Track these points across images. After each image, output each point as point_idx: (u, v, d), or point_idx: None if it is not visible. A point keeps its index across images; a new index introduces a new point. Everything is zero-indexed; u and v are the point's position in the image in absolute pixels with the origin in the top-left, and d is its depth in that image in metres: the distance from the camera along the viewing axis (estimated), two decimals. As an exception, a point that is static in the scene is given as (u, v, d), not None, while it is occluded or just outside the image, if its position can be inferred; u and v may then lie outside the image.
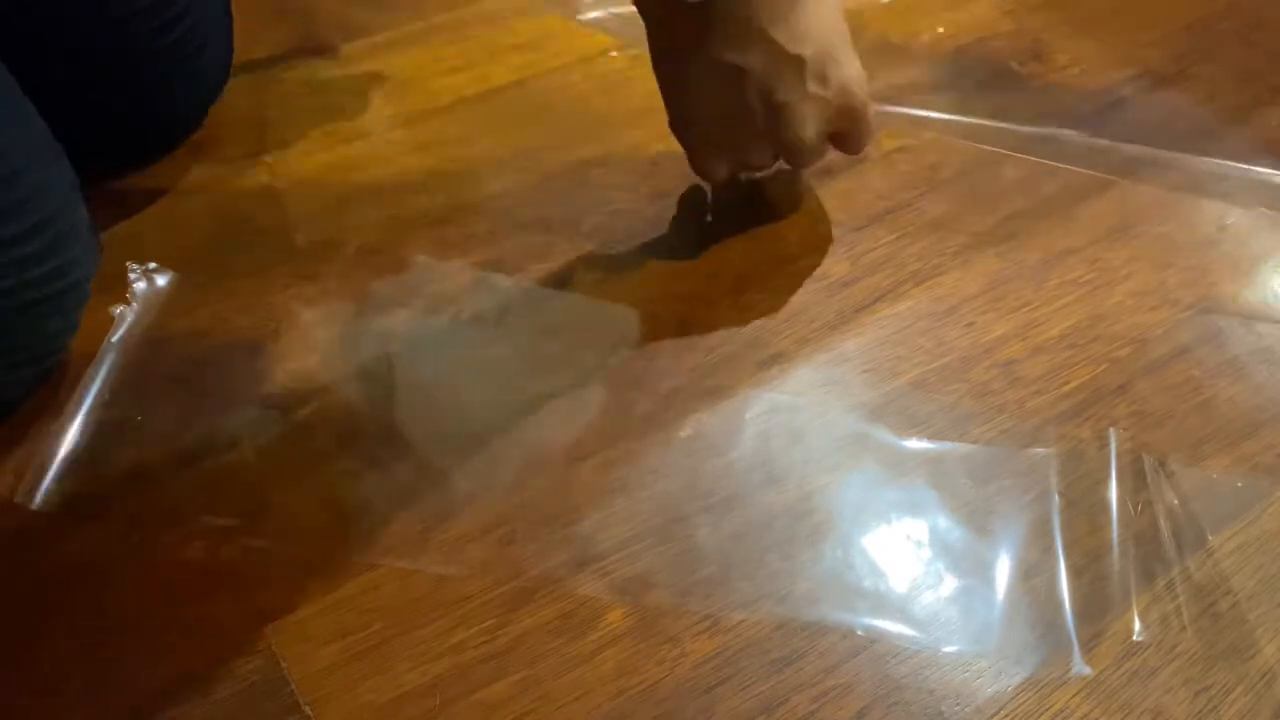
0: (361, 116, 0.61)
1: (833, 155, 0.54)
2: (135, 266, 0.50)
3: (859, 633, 0.39)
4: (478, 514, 0.42)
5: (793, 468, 0.44)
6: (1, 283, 0.40)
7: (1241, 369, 0.49)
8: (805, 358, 0.49)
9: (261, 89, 0.63)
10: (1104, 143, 0.60)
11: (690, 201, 0.56)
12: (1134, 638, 0.39)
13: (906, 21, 0.70)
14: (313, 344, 0.48)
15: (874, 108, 0.51)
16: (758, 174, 0.56)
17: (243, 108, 0.61)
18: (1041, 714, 0.37)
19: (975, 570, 0.41)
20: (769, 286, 0.52)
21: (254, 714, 0.36)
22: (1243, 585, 0.41)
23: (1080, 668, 0.38)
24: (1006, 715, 0.37)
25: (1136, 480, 0.44)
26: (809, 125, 0.49)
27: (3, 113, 0.43)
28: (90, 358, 0.47)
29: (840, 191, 0.57)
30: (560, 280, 0.52)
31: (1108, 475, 0.44)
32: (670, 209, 0.56)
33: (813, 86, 0.47)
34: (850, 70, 0.49)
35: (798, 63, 0.46)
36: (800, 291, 0.52)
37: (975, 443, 0.45)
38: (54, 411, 0.45)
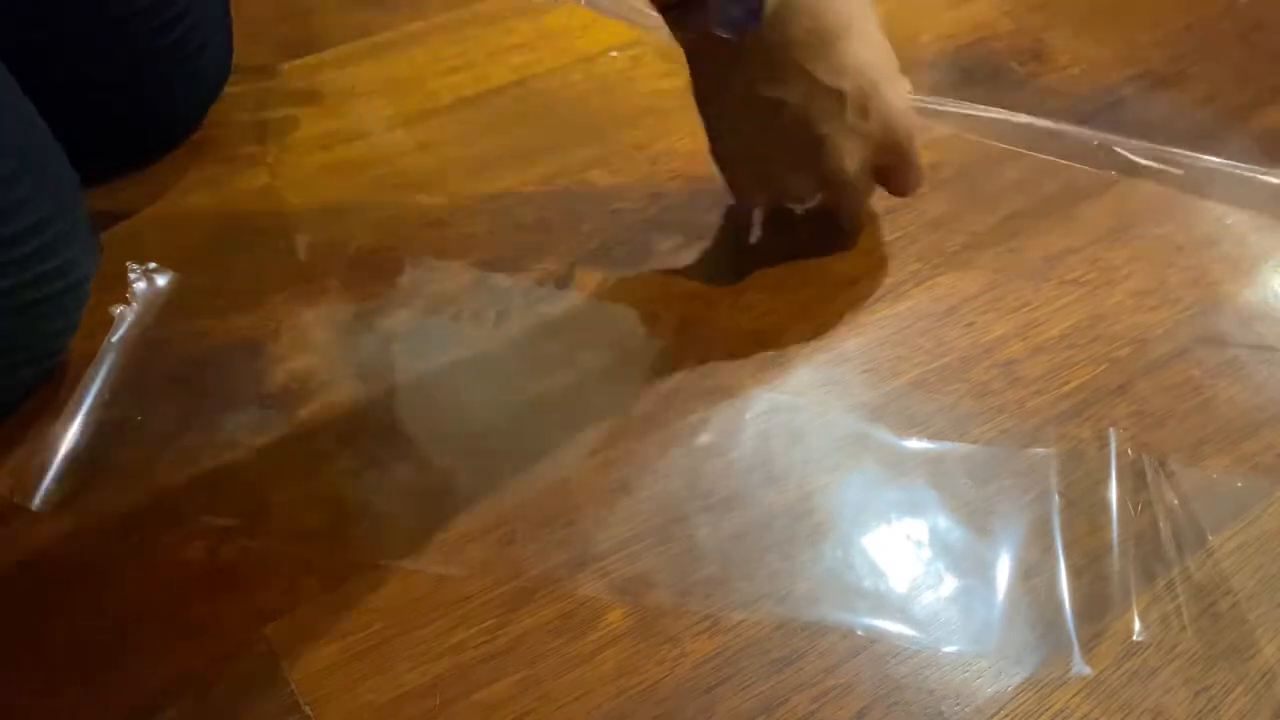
0: (361, 116, 0.61)
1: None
2: (135, 266, 0.50)
3: (859, 633, 0.39)
4: (478, 514, 0.42)
5: (793, 468, 0.44)
6: (1, 282, 0.40)
7: (1241, 369, 0.49)
8: (805, 358, 0.49)
9: (261, 89, 0.63)
10: (1104, 142, 0.60)
11: (734, 219, 0.55)
12: (1134, 638, 0.39)
13: (906, 21, 0.70)
14: (313, 344, 0.48)
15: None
16: (801, 208, 0.54)
17: (243, 108, 0.61)
18: (1041, 714, 0.37)
19: (975, 570, 0.41)
20: (769, 286, 0.52)
21: (254, 714, 0.36)
22: (1243, 585, 0.41)
23: (1080, 668, 0.38)
24: (1006, 715, 0.37)
25: (1136, 480, 0.44)
26: (849, 159, 0.48)
27: (3, 113, 0.43)
28: (90, 358, 0.47)
29: (840, 191, 0.57)
30: (560, 280, 0.52)
31: (1108, 475, 0.44)
32: (671, 209, 0.56)
33: (852, 119, 0.46)
34: (894, 104, 0.48)
35: (837, 96, 0.46)
36: (800, 291, 0.52)
37: (975, 443, 0.45)
38: (54, 411, 0.45)
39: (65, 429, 0.44)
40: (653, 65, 0.65)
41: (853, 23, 0.46)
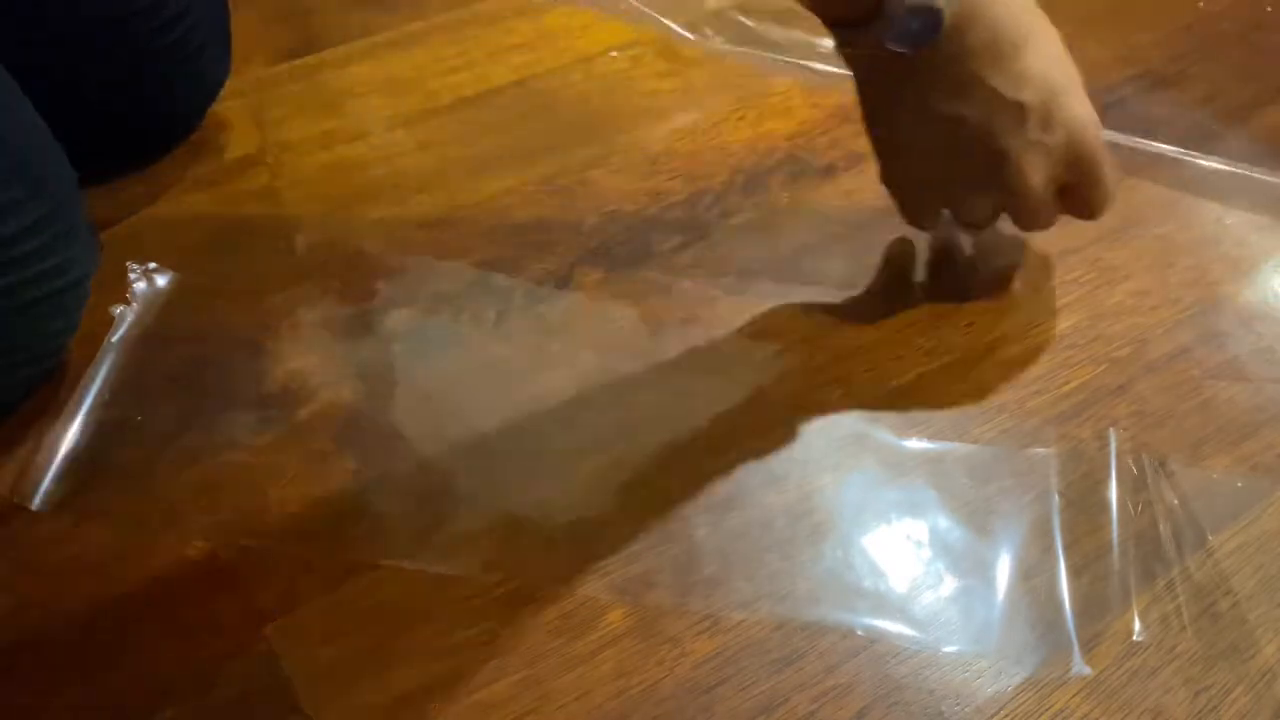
0: (361, 116, 0.61)
1: (837, 153, 0.54)
2: (135, 266, 0.50)
3: (859, 633, 0.39)
4: (478, 514, 0.42)
5: (793, 468, 0.44)
6: (1, 281, 0.40)
7: (1241, 369, 0.49)
8: (806, 357, 0.48)
9: (261, 89, 0.63)
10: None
11: (897, 257, 0.54)
12: (1134, 638, 0.39)
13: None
14: (313, 344, 0.48)
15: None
16: (977, 233, 0.53)
17: (243, 108, 0.61)
18: (1041, 714, 0.37)
19: (975, 570, 0.41)
20: (768, 286, 0.52)
21: (254, 714, 0.37)
22: (1243, 585, 0.41)
23: (1080, 668, 0.38)
24: (1006, 715, 0.37)
25: (1136, 480, 0.44)
26: (1033, 174, 0.45)
27: (2, 112, 0.43)
28: (90, 358, 0.47)
29: (843, 190, 0.57)
30: (560, 280, 0.52)
31: (1108, 475, 0.44)
32: (671, 209, 0.56)
33: (1035, 133, 0.44)
34: (1080, 114, 0.45)
35: (1018, 109, 0.43)
36: (801, 290, 0.52)
37: (975, 443, 0.45)
38: (54, 411, 0.45)
39: (65, 429, 0.44)
40: (653, 65, 0.65)
41: (1032, 33, 0.44)
